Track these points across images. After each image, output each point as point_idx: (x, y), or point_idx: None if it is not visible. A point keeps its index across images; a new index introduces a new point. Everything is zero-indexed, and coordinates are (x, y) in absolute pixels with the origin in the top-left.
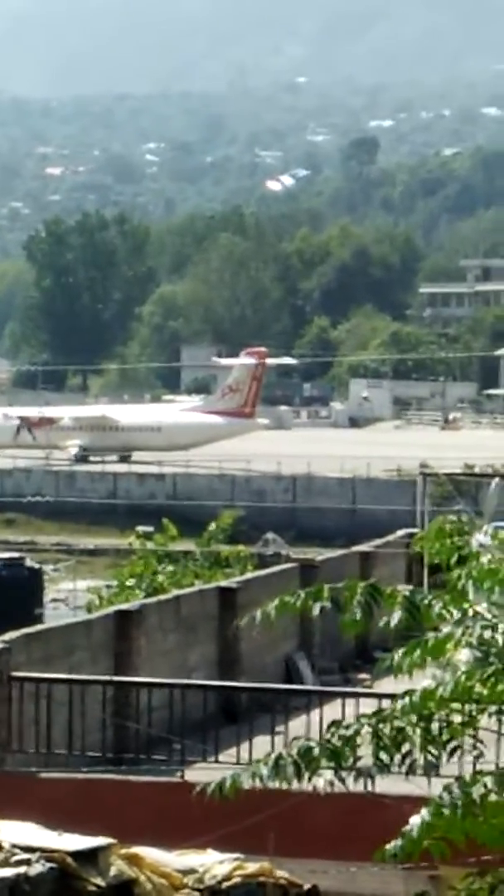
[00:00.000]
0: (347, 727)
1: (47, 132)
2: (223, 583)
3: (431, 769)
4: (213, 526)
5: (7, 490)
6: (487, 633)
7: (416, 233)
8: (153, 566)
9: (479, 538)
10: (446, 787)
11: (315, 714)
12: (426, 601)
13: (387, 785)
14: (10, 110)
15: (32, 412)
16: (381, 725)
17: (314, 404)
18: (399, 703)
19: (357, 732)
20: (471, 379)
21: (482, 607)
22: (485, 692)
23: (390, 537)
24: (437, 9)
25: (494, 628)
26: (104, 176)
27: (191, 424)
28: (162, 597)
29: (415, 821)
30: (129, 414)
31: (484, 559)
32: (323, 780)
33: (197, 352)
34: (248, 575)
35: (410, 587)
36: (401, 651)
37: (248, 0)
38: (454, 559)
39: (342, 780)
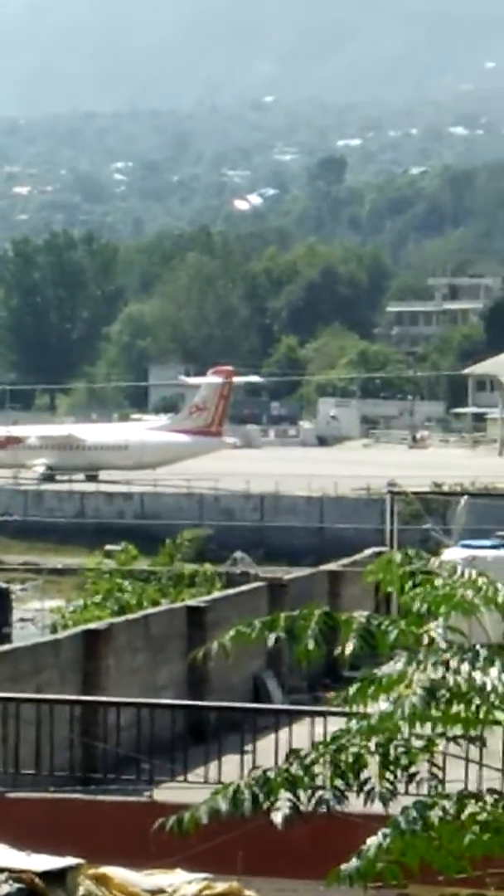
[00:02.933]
0: (306, 756)
1: (14, 151)
2: (192, 602)
3: (388, 797)
4: (167, 543)
5: None
6: (439, 672)
7: (383, 251)
8: (118, 585)
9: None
10: (404, 810)
11: (283, 733)
12: (382, 627)
13: (356, 803)
14: None
15: None
16: (338, 754)
17: (282, 423)
18: (355, 726)
19: (315, 761)
20: (438, 398)
21: (438, 633)
22: (439, 714)
23: (358, 556)
24: (405, 29)
25: (447, 666)
26: (72, 195)
27: (157, 443)
28: (130, 616)
29: (372, 841)
30: (96, 433)
31: (438, 583)
32: (280, 816)
33: (165, 371)
34: (217, 594)
35: (366, 613)
36: (353, 687)
37: (217, 18)
38: (409, 586)
39: (299, 812)
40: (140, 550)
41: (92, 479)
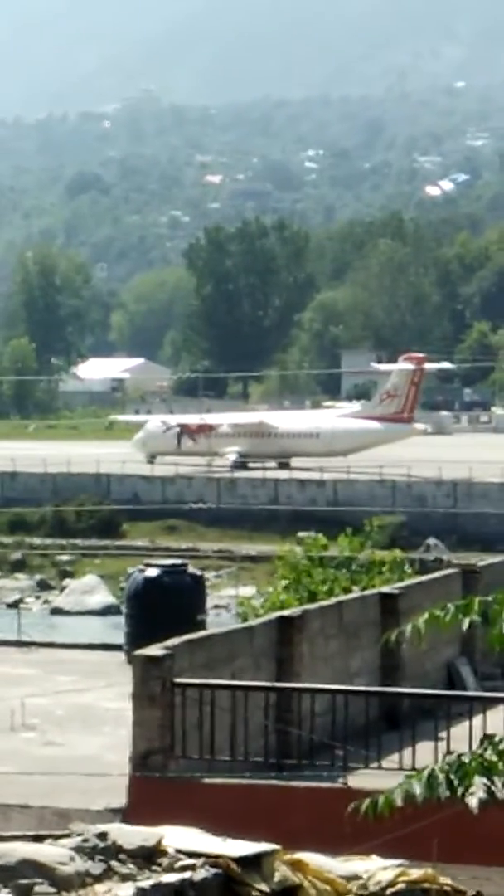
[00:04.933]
0: (500, 742)
1: (206, 140)
2: (385, 588)
3: None
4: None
5: (169, 497)
6: None
7: None
8: (307, 571)
9: None
10: None
11: (478, 720)
12: None
13: None
14: (169, 119)
15: (192, 419)
16: None
17: (475, 409)
18: None
19: None
20: None
21: None
22: None
23: None
24: None
25: None
26: (263, 183)
27: (348, 430)
28: (324, 602)
29: None
30: (287, 420)
31: None
32: (475, 800)
33: (357, 358)
34: (410, 581)
35: None
36: None
37: (406, 3)
38: None
39: (493, 797)
40: (332, 538)
41: (283, 466)
